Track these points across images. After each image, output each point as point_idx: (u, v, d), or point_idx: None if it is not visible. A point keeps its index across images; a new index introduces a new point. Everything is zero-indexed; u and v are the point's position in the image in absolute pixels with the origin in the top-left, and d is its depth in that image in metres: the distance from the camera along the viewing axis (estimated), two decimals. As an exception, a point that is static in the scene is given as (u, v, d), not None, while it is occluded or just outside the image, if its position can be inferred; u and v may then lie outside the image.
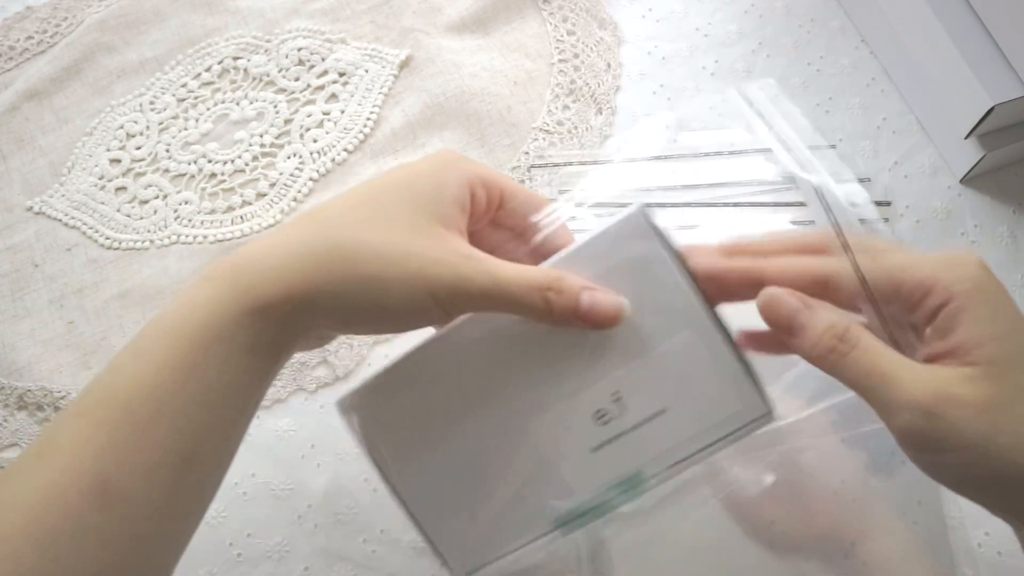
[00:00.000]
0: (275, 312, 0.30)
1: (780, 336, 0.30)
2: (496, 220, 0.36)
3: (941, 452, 0.27)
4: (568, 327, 0.32)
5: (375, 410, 0.35)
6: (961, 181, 0.52)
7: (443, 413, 0.34)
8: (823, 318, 0.30)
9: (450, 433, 0.34)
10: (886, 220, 0.50)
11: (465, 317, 0.33)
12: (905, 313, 0.30)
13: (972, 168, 0.51)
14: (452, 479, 0.34)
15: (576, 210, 0.51)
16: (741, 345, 0.33)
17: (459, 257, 0.31)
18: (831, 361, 0.29)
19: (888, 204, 0.51)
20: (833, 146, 0.53)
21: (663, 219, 0.32)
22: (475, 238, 0.34)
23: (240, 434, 0.31)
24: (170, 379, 0.28)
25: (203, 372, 0.29)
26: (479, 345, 0.34)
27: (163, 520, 0.29)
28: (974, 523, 0.42)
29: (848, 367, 0.29)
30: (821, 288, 0.31)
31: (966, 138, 0.49)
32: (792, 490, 0.40)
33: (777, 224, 0.49)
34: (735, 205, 0.50)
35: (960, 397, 0.27)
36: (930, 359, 0.29)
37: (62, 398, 0.49)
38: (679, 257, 0.32)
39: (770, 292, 0.30)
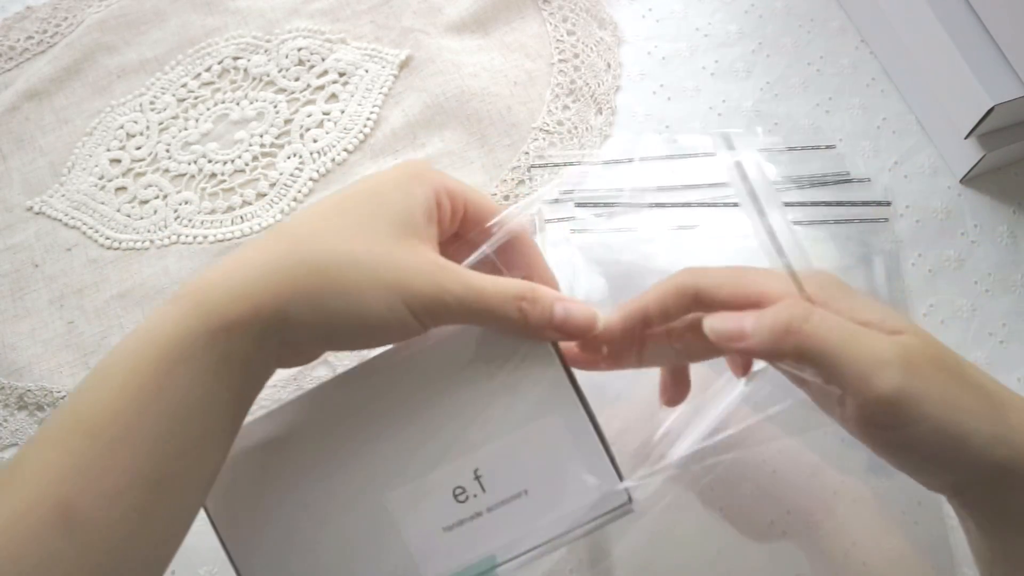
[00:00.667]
0: (244, 329, 0.29)
1: (735, 350, 0.30)
2: (459, 232, 0.35)
3: (914, 423, 0.27)
4: (542, 338, 0.32)
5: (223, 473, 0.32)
6: (961, 181, 0.52)
7: (298, 479, 0.32)
8: (764, 313, 0.29)
9: (303, 499, 0.32)
10: (886, 220, 0.50)
11: (338, 375, 0.33)
12: None
13: (972, 168, 0.51)
14: (300, 550, 0.32)
15: (576, 210, 0.51)
16: (572, 362, 0.33)
17: (434, 267, 0.30)
18: (792, 342, 0.28)
19: (888, 204, 0.51)
20: (833, 146, 0.53)
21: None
22: (440, 250, 0.33)
23: (217, 455, 0.30)
24: (133, 402, 0.28)
25: (167, 394, 0.28)
26: (344, 406, 0.32)
27: (133, 546, 0.28)
28: (974, 523, 0.42)
29: (811, 338, 0.28)
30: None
31: (966, 138, 0.49)
32: (792, 490, 0.40)
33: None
34: (735, 205, 0.50)
35: (922, 355, 0.27)
36: None
37: (62, 398, 0.49)
38: (554, 343, 0.32)
39: (710, 319, 0.30)
